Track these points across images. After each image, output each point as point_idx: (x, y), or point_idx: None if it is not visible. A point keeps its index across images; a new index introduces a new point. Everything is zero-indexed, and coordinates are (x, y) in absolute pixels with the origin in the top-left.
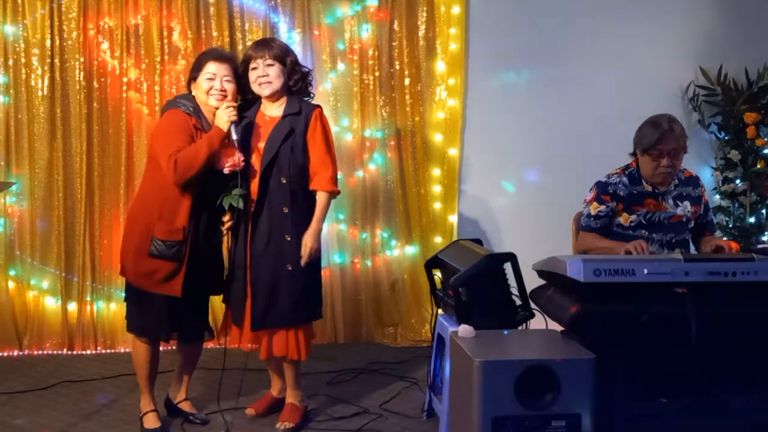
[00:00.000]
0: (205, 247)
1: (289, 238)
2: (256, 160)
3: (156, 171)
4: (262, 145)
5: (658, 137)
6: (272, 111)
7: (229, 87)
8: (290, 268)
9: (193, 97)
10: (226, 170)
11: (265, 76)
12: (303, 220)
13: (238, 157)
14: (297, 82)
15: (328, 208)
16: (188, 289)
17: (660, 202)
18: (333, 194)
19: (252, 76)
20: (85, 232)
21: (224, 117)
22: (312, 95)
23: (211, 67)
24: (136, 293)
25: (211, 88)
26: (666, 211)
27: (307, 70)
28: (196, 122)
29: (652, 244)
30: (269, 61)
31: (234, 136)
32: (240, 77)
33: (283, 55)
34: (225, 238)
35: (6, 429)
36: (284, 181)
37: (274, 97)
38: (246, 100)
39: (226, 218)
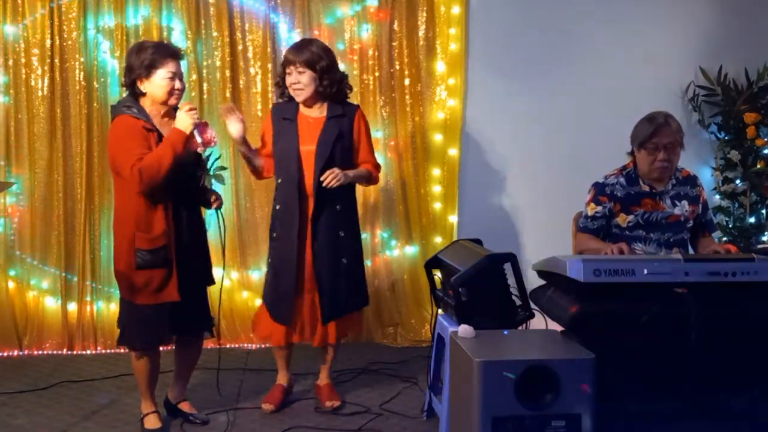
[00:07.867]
0: (191, 243)
1: (342, 234)
2: (308, 161)
3: (122, 183)
4: (311, 147)
5: (654, 130)
6: (313, 113)
7: (181, 85)
8: (345, 262)
9: (134, 98)
10: (200, 149)
11: (297, 83)
12: (352, 217)
13: (209, 134)
14: (326, 88)
15: (365, 178)
16: (183, 290)
17: (657, 201)
18: (375, 177)
19: (287, 80)
20: (85, 232)
21: (187, 120)
22: (348, 97)
23: (171, 66)
24: (135, 309)
25: (172, 88)
26: (663, 211)
27: (339, 75)
28: (145, 123)
29: (650, 244)
30: (300, 69)
31: (198, 139)
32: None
33: (314, 62)
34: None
35: (6, 429)
36: None
37: (308, 102)
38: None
39: (213, 198)
